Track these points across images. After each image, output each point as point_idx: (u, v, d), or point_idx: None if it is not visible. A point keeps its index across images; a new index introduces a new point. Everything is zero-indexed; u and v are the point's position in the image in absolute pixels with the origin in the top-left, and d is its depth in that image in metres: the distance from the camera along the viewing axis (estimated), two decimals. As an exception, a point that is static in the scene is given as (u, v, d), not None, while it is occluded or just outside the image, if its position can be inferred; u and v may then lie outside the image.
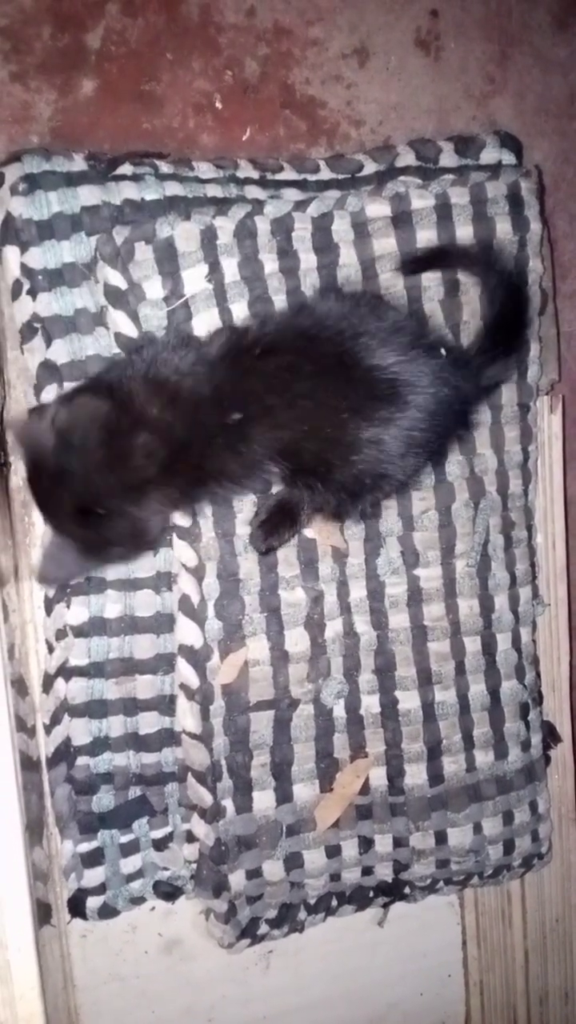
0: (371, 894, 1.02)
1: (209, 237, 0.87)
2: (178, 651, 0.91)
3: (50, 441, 0.74)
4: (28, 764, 0.88)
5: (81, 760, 0.91)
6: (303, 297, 0.90)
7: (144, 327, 0.86)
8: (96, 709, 0.91)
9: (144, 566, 0.90)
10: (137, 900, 0.96)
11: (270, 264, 0.90)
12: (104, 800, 0.92)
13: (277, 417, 0.77)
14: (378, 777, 0.98)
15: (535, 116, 1.08)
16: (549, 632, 1.07)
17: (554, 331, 1.03)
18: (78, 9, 0.92)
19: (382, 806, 0.98)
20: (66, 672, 0.90)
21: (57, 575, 0.83)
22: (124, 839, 0.93)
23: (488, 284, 0.90)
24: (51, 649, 0.91)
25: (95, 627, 0.90)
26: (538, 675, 1.05)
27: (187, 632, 0.90)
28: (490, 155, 0.99)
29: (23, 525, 0.93)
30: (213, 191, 0.91)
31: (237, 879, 0.94)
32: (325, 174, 0.96)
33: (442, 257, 0.92)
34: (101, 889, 0.93)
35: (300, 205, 0.91)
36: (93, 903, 0.93)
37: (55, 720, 0.90)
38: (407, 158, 0.97)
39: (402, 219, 0.92)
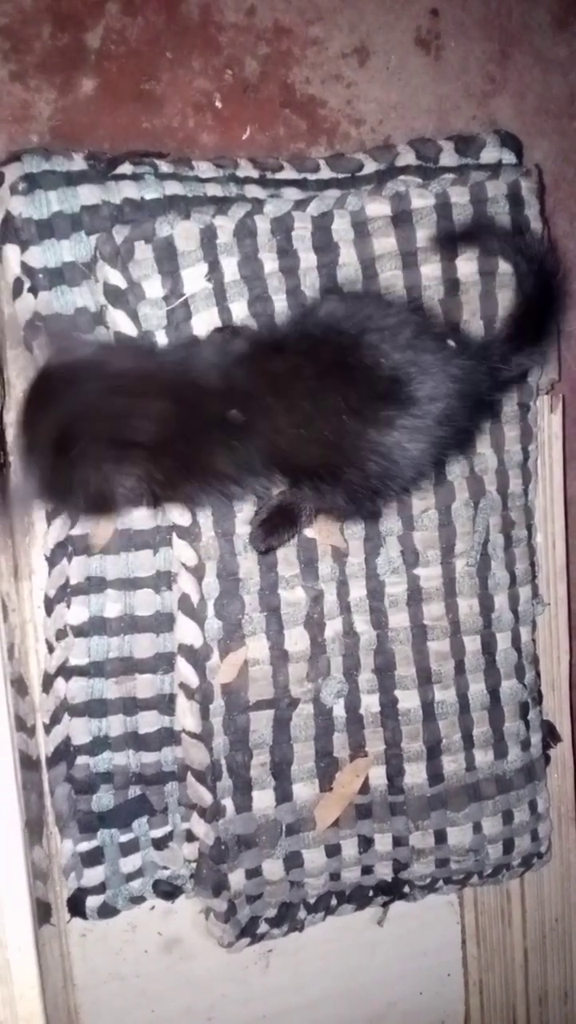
0: (371, 893, 1.02)
1: (209, 236, 0.87)
2: (178, 650, 0.91)
3: (80, 352, 0.72)
4: (28, 763, 0.88)
5: (81, 759, 0.91)
6: (304, 298, 0.90)
7: (144, 326, 0.86)
8: (96, 708, 0.91)
9: (144, 565, 0.90)
10: (137, 899, 0.96)
11: (270, 263, 0.90)
12: (104, 799, 0.92)
13: (275, 420, 0.75)
14: (378, 776, 0.98)
15: (535, 115, 1.08)
16: (549, 631, 1.07)
17: (554, 330, 1.03)
18: (78, 8, 0.92)
19: (382, 805, 0.98)
20: (66, 671, 0.90)
21: (20, 505, 0.78)
22: (124, 838, 0.93)
23: (519, 269, 0.88)
24: (51, 648, 0.91)
25: (95, 626, 0.90)
26: (538, 674, 1.05)
27: (187, 631, 0.90)
28: (490, 154, 0.99)
29: (23, 525, 0.92)
30: (213, 190, 0.91)
31: (237, 878, 0.94)
32: (325, 173, 0.96)
33: (477, 235, 0.91)
34: (101, 888, 0.93)
35: (300, 204, 0.91)
36: (93, 902, 0.93)
37: (55, 719, 0.90)
38: (407, 157, 0.97)
39: (402, 218, 0.92)
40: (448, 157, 0.98)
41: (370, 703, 0.97)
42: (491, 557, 0.98)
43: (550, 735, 1.07)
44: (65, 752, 0.91)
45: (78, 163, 0.88)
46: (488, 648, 0.99)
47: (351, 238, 0.92)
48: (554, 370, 1.04)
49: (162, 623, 0.91)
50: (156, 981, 1.01)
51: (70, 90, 0.93)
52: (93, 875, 0.93)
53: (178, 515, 0.89)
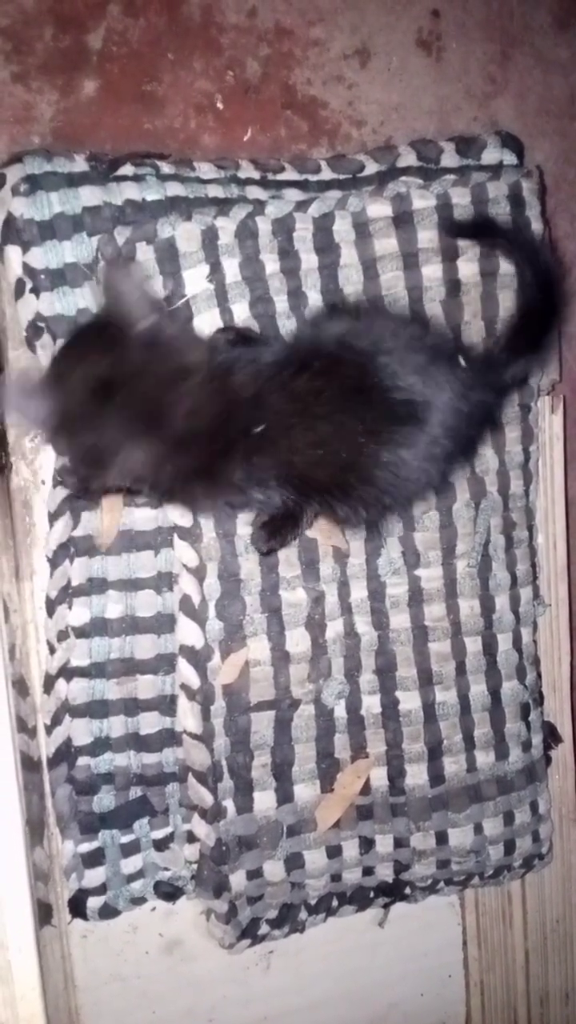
0: (372, 894, 1.02)
1: (210, 237, 0.87)
2: (179, 651, 0.91)
3: (145, 319, 0.72)
4: (29, 764, 0.88)
5: (82, 760, 0.91)
6: (306, 300, 0.90)
7: (145, 327, 0.86)
8: (97, 709, 0.91)
9: (145, 566, 0.91)
10: (138, 900, 0.96)
11: (271, 264, 0.90)
12: (105, 800, 0.92)
13: (295, 439, 0.75)
14: (379, 777, 0.98)
15: (536, 117, 1.08)
16: (550, 632, 1.07)
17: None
18: (79, 10, 0.92)
19: (383, 806, 0.98)
20: (67, 673, 0.90)
21: (17, 406, 0.75)
22: (125, 839, 0.93)
23: (523, 277, 0.89)
24: (52, 650, 0.91)
25: (96, 628, 0.90)
26: (539, 675, 1.05)
27: (188, 632, 0.90)
28: (491, 155, 0.99)
29: (24, 525, 0.93)
30: (214, 191, 0.91)
31: (238, 879, 0.94)
32: (326, 174, 0.96)
33: (485, 234, 0.91)
34: (102, 889, 0.93)
35: (301, 205, 0.91)
36: (94, 903, 0.93)
37: (56, 720, 0.90)
38: (408, 158, 0.97)
39: (403, 219, 0.92)
40: (449, 158, 0.98)
41: (371, 704, 0.97)
42: (492, 558, 0.98)
43: (551, 736, 1.07)
44: (66, 753, 0.91)
45: (80, 164, 0.88)
46: (489, 649, 0.99)
47: (352, 239, 0.92)
48: (555, 371, 1.04)
49: (163, 624, 0.91)
50: (157, 982, 1.01)
51: (72, 91, 0.93)
52: (94, 876, 0.93)
53: (179, 516, 0.89)
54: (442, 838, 0.99)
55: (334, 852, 0.97)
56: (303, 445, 0.75)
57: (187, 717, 0.91)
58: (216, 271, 0.88)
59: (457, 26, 1.04)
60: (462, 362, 0.80)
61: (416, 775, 0.97)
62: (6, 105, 0.91)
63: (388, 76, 1.03)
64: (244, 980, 1.04)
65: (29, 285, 0.86)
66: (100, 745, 0.91)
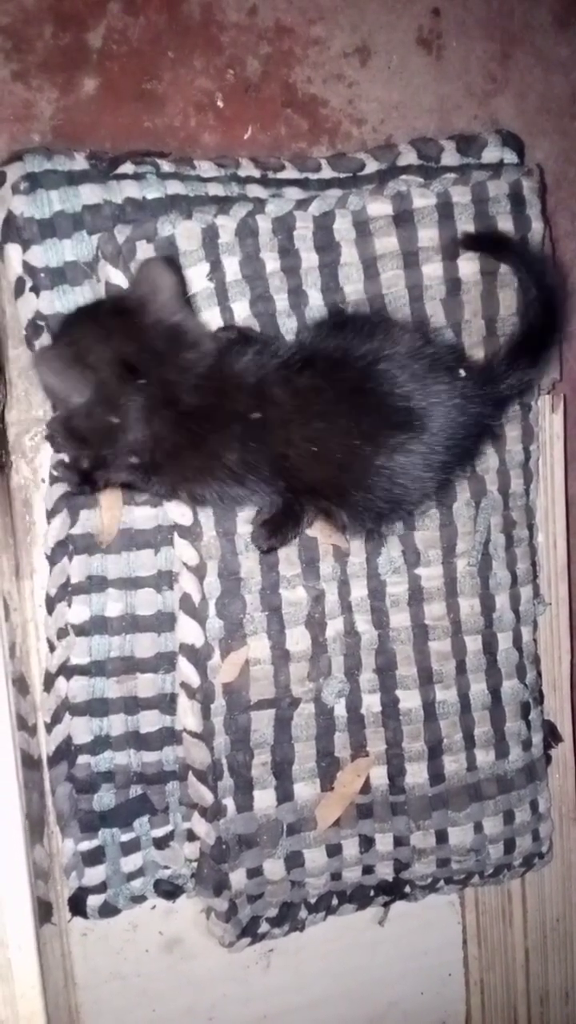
0: (372, 893, 1.02)
1: (210, 236, 0.87)
2: (179, 650, 0.91)
3: (170, 296, 0.74)
4: (29, 762, 0.88)
5: (82, 759, 0.91)
6: (306, 299, 0.90)
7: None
8: (97, 708, 0.91)
9: (145, 564, 0.91)
10: (138, 899, 0.96)
11: (271, 263, 0.90)
12: (105, 799, 0.92)
13: (290, 433, 0.76)
14: (379, 776, 0.98)
15: (537, 115, 1.08)
16: (550, 631, 1.07)
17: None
18: (79, 8, 0.92)
19: (383, 805, 0.98)
20: (67, 671, 0.90)
21: (54, 379, 0.75)
22: (125, 838, 0.93)
23: (527, 289, 0.90)
24: (52, 648, 0.91)
25: (96, 626, 0.90)
26: (539, 674, 1.05)
27: (188, 631, 0.90)
28: (492, 154, 0.99)
29: (24, 524, 0.93)
30: (215, 190, 0.91)
31: (238, 878, 0.94)
32: (327, 173, 0.96)
33: (495, 246, 0.92)
34: (102, 887, 0.93)
35: (302, 204, 0.91)
36: (94, 901, 0.93)
37: (56, 719, 0.90)
38: (409, 157, 0.97)
39: (404, 218, 0.92)
40: (450, 156, 0.98)
41: (371, 703, 0.97)
42: (492, 557, 0.98)
43: (551, 735, 1.07)
44: (66, 751, 0.91)
45: (80, 162, 0.88)
46: (489, 648, 0.99)
47: (352, 237, 0.92)
48: (555, 370, 1.04)
49: (163, 622, 0.91)
50: (157, 980, 1.01)
51: (72, 89, 0.93)
52: (94, 874, 0.93)
53: (180, 514, 0.89)
54: (442, 837, 0.99)
55: (334, 851, 0.98)
56: (298, 439, 0.77)
57: (187, 715, 0.91)
58: (216, 269, 0.88)
59: (457, 24, 1.04)
60: (462, 372, 0.80)
61: (416, 774, 0.97)
62: (6, 103, 0.91)
63: (388, 74, 1.03)
64: (244, 978, 1.04)
65: (29, 283, 0.86)
66: (100, 743, 0.91)
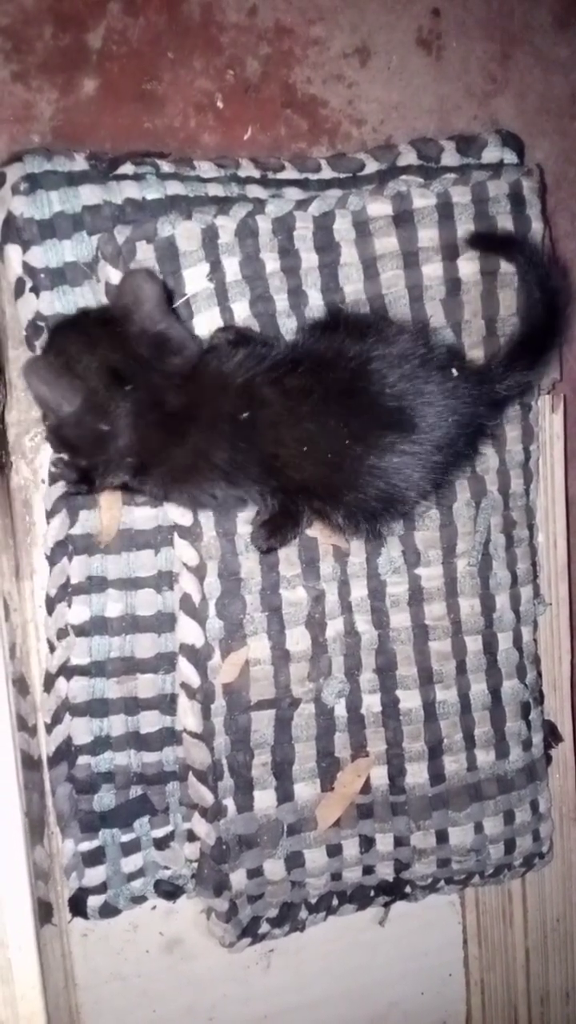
0: (372, 893, 1.02)
1: (210, 236, 0.87)
2: (179, 650, 0.91)
3: (153, 306, 0.76)
4: (29, 763, 0.88)
5: (82, 759, 0.91)
6: (306, 299, 0.90)
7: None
8: (97, 708, 0.91)
9: (145, 565, 0.91)
10: (138, 899, 0.96)
11: (271, 263, 0.90)
12: (105, 799, 0.92)
13: (280, 432, 0.77)
14: (379, 776, 0.98)
15: (536, 115, 1.08)
16: (550, 631, 1.07)
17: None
18: (79, 8, 0.92)
19: (383, 805, 0.98)
20: (67, 671, 0.90)
21: (40, 383, 0.76)
22: (125, 838, 0.93)
23: (525, 286, 0.90)
24: (52, 648, 0.91)
25: (96, 626, 0.90)
26: (539, 674, 1.05)
27: (188, 631, 0.90)
28: (492, 154, 0.99)
29: (24, 524, 0.93)
30: (214, 190, 0.91)
31: (238, 878, 0.94)
32: (326, 173, 0.96)
33: (501, 246, 0.92)
34: (102, 888, 0.93)
35: (301, 204, 0.91)
36: (94, 902, 0.93)
37: (56, 719, 0.90)
38: (409, 157, 0.97)
39: (404, 218, 0.92)
40: (449, 157, 0.98)
41: (371, 703, 0.97)
42: (492, 557, 0.98)
43: (551, 735, 1.07)
44: (66, 752, 0.91)
45: (80, 163, 0.88)
46: (489, 648, 0.99)
47: (352, 238, 0.92)
48: (555, 370, 1.04)
49: (163, 623, 0.92)
50: (157, 981, 1.01)
51: (72, 90, 0.93)
52: (94, 875, 0.93)
53: (180, 515, 0.89)
54: (442, 837, 0.99)
55: (334, 851, 0.98)
56: (289, 439, 0.77)
57: (187, 716, 0.91)
58: (216, 270, 0.88)
59: (457, 25, 1.04)
60: (455, 372, 0.80)
61: (416, 774, 0.97)
62: (6, 104, 0.91)
63: (388, 75, 1.03)
64: (244, 979, 1.04)
65: (29, 284, 0.86)
66: (100, 744, 0.91)
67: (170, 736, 0.93)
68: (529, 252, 0.90)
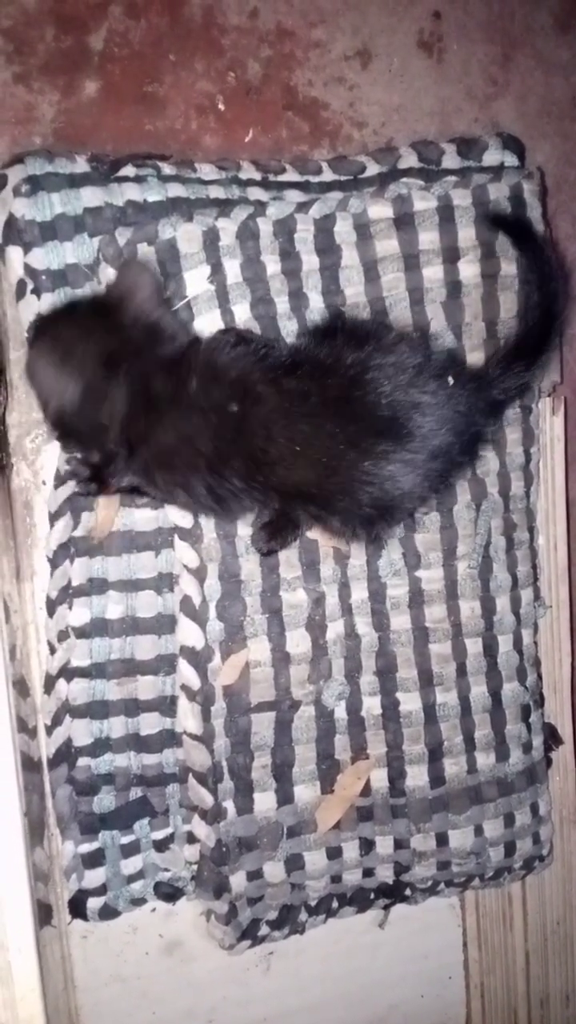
0: (372, 896, 1.02)
1: (211, 238, 0.87)
2: (179, 652, 0.91)
3: (149, 296, 0.78)
4: (29, 765, 0.88)
5: (82, 761, 0.91)
6: (307, 301, 0.90)
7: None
8: (97, 710, 0.91)
9: (146, 567, 0.91)
10: (138, 901, 0.96)
11: (272, 265, 0.90)
12: (105, 801, 0.92)
13: (272, 430, 0.76)
14: (379, 779, 0.98)
15: (537, 118, 1.09)
16: (551, 634, 1.07)
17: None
18: (81, 11, 0.92)
19: (383, 808, 0.98)
20: (68, 673, 0.90)
21: (45, 373, 0.79)
22: (125, 840, 0.93)
23: (525, 288, 0.90)
24: (53, 650, 0.91)
25: (97, 628, 0.90)
26: (539, 677, 1.05)
27: (188, 633, 0.90)
28: (492, 157, 0.99)
29: (25, 526, 0.93)
30: (215, 192, 0.91)
31: (238, 880, 0.94)
32: (327, 176, 0.96)
33: (519, 232, 0.92)
34: (102, 890, 0.93)
35: (302, 207, 0.91)
36: (94, 904, 0.93)
37: (56, 721, 0.90)
38: (409, 160, 0.97)
39: (404, 221, 0.92)
40: (450, 159, 0.98)
41: (371, 705, 0.96)
42: (493, 559, 0.98)
43: (552, 738, 1.07)
44: (66, 754, 0.91)
45: (81, 165, 0.88)
46: (490, 651, 0.99)
47: (353, 240, 0.92)
48: (556, 372, 1.04)
49: (164, 625, 0.92)
50: (157, 983, 1.01)
51: (73, 92, 0.93)
52: (94, 877, 0.93)
53: (180, 517, 0.89)
54: (442, 840, 0.99)
55: (334, 853, 0.97)
56: (281, 438, 0.76)
57: (187, 718, 0.91)
58: (217, 272, 0.88)
59: (458, 28, 1.04)
60: (450, 380, 0.80)
61: (416, 776, 0.97)
62: (8, 106, 0.91)
63: (389, 77, 1.03)
64: (244, 981, 1.04)
65: (30, 286, 0.86)
66: (100, 746, 0.91)
67: (170, 738, 0.93)
68: (538, 249, 0.90)
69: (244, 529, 0.90)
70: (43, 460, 0.92)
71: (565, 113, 1.10)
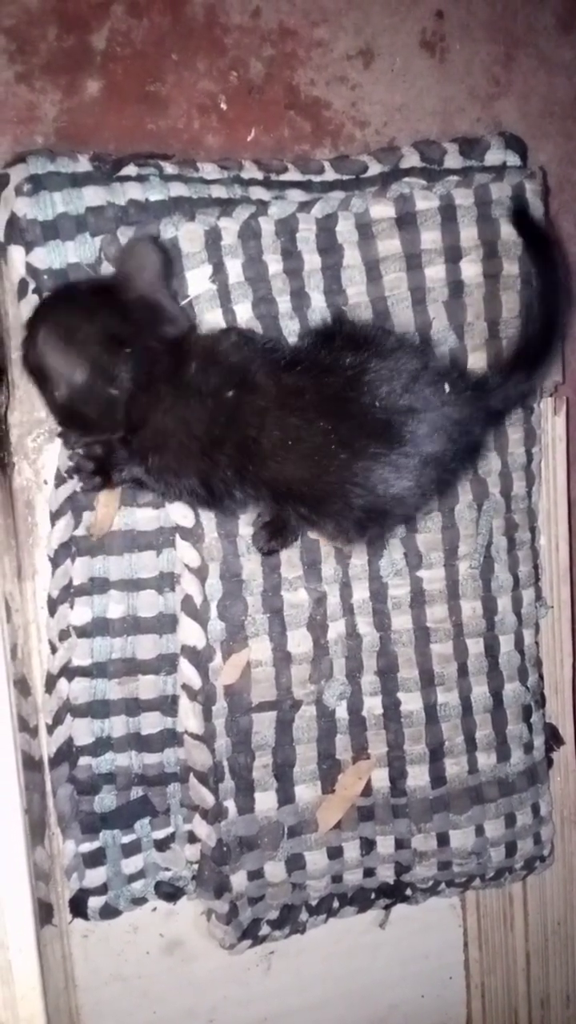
0: (373, 896, 1.02)
1: (213, 238, 0.87)
2: (180, 652, 0.91)
3: (155, 274, 0.79)
4: (30, 764, 0.88)
5: (83, 760, 0.91)
6: (308, 301, 0.90)
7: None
8: (98, 709, 0.91)
9: (147, 566, 0.91)
10: (139, 900, 0.96)
11: (274, 265, 0.90)
12: (106, 800, 0.92)
13: (264, 421, 0.76)
14: (380, 779, 0.98)
15: (540, 118, 1.08)
16: (552, 634, 1.06)
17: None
18: (83, 10, 0.92)
19: (384, 808, 0.98)
20: (69, 672, 0.90)
21: (56, 359, 0.78)
22: (126, 839, 0.93)
23: (526, 290, 0.90)
24: (54, 649, 0.91)
25: (98, 627, 0.90)
26: (541, 677, 1.05)
27: (190, 633, 0.90)
28: (495, 157, 0.99)
29: (26, 525, 0.93)
30: (217, 192, 0.91)
31: (239, 880, 0.94)
32: (329, 175, 0.96)
33: (532, 232, 0.92)
34: (103, 889, 0.93)
35: (304, 206, 0.91)
36: (95, 903, 0.93)
37: (57, 720, 0.91)
38: (412, 159, 0.97)
39: (406, 220, 0.92)
40: (452, 159, 0.98)
41: (373, 705, 0.96)
42: (494, 560, 0.98)
43: (553, 738, 1.07)
44: (67, 753, 0.91)
45: (83, 164, 0.88)
46: (491, 651, 0.99)
47: (355, 240, 0.92)
48: (558, 372, 1.04)
49: (165, 624, 0.92)
50: (158, 982, 1.01)
51: (75, 92, 0.93)
52: (95, 876, 0.93)
53: (181, 516, 0.89)
54: (443, 840, 0.99)
55: (335, 853, 0.97)
56: (273, 428, 0.77)
57: (188, 717, 0.91)
58: (219, 271, 0.88)
59: (461, 27, 1.04)
60: (447, 388, 0.80)
61: (417, 776, 0.97)
62: (10, 105, 0.91)
63: (392, 77, 1.03)
64: (245, 981, 1.04)
65: (32, 285, 0.86)
66: (101, 745, 0.91)
67: (171, 737, 0.93)
68: (546, 253, 0.90)
69: (245, 528, 0.90)
70: (44, 459, 0.92)
71: (567, 113, 1.10)
